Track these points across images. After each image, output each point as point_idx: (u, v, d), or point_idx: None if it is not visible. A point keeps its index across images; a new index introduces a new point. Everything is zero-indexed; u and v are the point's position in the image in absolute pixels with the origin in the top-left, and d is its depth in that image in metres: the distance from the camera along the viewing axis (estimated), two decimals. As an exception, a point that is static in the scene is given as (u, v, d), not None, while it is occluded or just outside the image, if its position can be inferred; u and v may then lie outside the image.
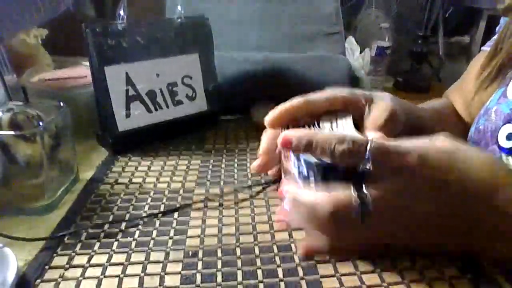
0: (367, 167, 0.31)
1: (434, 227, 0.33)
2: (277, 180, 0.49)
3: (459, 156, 0.33)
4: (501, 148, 0.42)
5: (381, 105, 0.41)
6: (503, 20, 0.54)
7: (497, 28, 0.56)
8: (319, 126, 0.41)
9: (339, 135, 0.32)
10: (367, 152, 0.31)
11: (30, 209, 0.43)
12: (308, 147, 0.33)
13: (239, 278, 0.34)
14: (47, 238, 0.38)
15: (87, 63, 0.55)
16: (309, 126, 0.41)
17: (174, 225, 0.41)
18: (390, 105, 0.41)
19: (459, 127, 0.57)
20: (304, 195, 0.33)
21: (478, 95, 0.50)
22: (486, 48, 0.56)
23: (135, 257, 0.36)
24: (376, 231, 0.33)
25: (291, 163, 0.37)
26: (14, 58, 0.62)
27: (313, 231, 0.35)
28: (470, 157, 0.33)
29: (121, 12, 0.55)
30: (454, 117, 0.59)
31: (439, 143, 0.33)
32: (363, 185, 0.31)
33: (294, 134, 0.34)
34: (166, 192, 0.47)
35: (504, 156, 0.41)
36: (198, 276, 0.34)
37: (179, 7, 0.60)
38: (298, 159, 0.35)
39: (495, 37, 0.55)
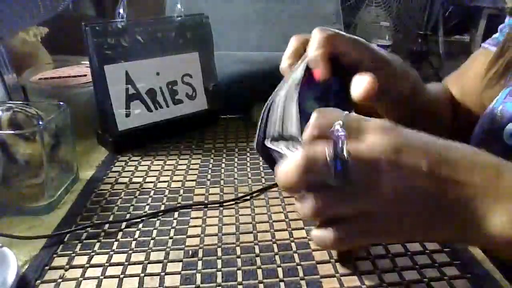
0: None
1: (427, 213, 0.29)
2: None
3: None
4: (505, 146, 0.42)
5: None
6: (508, 20, 0.54)
7: (500, 27, 0.56)
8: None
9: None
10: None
11: (30, 209, 0.43)
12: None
13: (239, 278, 0.34)
14: (48, 236, 0.38)
15: (87, 62, 0.55)
16: None
17: (174, 224, 0.41)
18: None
19: (450, 117, 0.58)
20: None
21: (483, 94, 0.51)
22: (487, 45, 0.56)
23: (135, 257, 0.36)
24: (358, 204, 0.29)
25: None
26: (14, 57, 0.62)
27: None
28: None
29: (121, 11, 0.55)
30: (450, 106, 0.59)
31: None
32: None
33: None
34: (166, 192, 0.47)
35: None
36: (198, 276, 0.34)
37: (179, 6, 0.60)
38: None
39: (496, 35, 0.55)
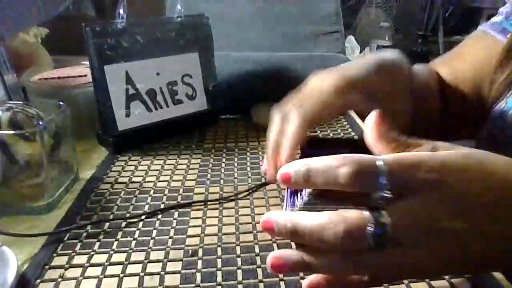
0: (385, 194, 0.25)
1: (474, 250, 0.26)
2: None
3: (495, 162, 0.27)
4: None
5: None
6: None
7: (500, 9, 0.53)
8: None
9: (337, 156, 0.26)
10: (381, 173, 0.25)
11: (30, 208, 0.43)
12: (307, 178, 0.26)
13: (239, 277, 0.34)
14: (48, 233, 0.38)
15: (87, 62, 0.55)
16: None
17: (174, 224, 0.41)
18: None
19: (439, 101, 0.55)
20: (305, 217, 0.26)
21: (483, 84, 0.50)
22: (488, 29, 0.53)
23: (135, 257, 0.36)
24: (400, 262, 0.26)
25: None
26: (14, 58, 0.62)
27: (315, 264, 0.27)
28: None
29: (121, 11, 0.55)
30: (438, 90, 0.57)
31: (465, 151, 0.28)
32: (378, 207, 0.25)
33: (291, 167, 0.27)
34: (166, 192, 0.47)
35: None
36: (198, 275, 0.34)
37: (179, 6, 0.60)
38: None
39: (497, 19, 0.53)
